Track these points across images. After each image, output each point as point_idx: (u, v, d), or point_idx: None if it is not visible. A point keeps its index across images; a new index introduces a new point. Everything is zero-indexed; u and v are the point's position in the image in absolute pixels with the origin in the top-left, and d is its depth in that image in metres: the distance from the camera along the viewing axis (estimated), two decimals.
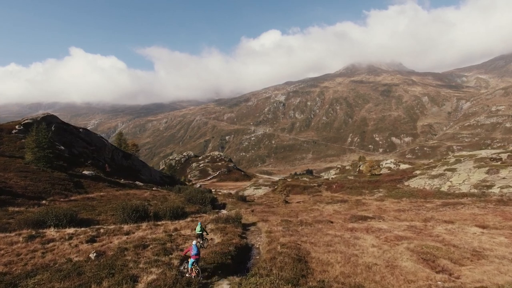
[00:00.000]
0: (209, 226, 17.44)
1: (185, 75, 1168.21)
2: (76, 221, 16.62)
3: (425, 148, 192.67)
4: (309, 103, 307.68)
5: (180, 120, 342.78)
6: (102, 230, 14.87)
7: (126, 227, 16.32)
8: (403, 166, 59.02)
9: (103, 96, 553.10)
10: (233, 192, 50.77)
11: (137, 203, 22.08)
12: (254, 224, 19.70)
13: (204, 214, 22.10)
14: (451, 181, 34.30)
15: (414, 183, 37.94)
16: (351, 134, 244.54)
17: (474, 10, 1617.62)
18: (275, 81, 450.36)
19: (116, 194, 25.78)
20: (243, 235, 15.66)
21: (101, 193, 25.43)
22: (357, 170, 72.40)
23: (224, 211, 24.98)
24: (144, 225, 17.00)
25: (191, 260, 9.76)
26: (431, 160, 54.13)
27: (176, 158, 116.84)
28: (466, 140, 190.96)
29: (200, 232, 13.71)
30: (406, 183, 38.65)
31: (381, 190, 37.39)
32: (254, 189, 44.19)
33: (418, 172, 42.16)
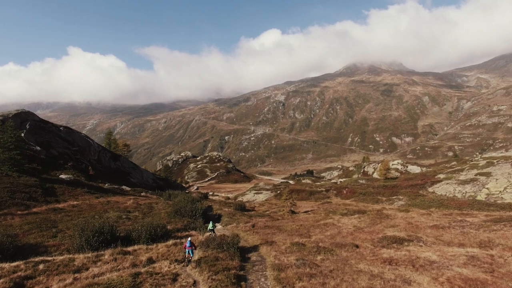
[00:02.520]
0: (197, 255, 13.50)
1: (185, 74, 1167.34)
2: (9, 250, 12.14)
3: (426, 148, 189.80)
4: (309, 103, 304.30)
5: (179, 120, 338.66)
6: (42, 266, 10.52)
7: (81, 258, 12.12)
8: (411, 168, 54.44)
9: (103, 96, 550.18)
10: (231, 195, 46.40)
11: (110, 217, 17.77)
12: (255, 248, 15.36)
13: (193, 232, 17.89)
14: (488, 188, 29.40)
15: (441, 189, 32.53)
16: (351, 134, 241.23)
17: (475, 10, 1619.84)
18: (276, 81, 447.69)
19: (93, 203, 21.84)
20: (241, 273, 11.37)
21: (75, 202, 21.42)
22: (362, 171, 68.07)
23: (218, 226, 20.51)
24: (107, 253, 12.87)
25: (187, 250, 13.50)
26: (454, 162, 47.90)
27: (174, 159, 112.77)
28: (467, 140, 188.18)
29: (212, 228, 18.01)
30: (430, 189, 33.32)
31: (400, 197, 32.12)
32: (254, 194, 39.07)
33: (442, 176, 37.01)
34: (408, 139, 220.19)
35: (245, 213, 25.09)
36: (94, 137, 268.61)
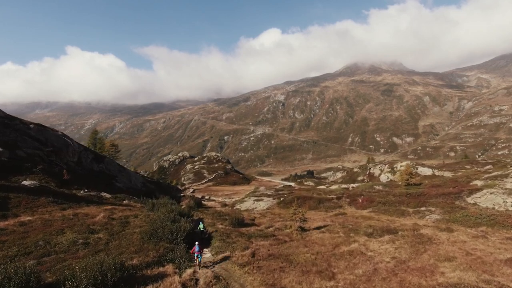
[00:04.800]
0: None
1: (185, 74, 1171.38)
2: None
3: (427, 149, 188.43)
4: (309, 103, 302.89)
5: (179, 120, 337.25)
6: None
7: None
8: (422, 170, 51.55)
9: (103, 95, 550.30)
10: (229, 200, 43.99)
11: (62, 242, 13.11)
12: None
13: (169, 266, 12.83)
14: None
15: (485, 200, 26.00)
16: (351, 134, 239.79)
17: (476, 10, 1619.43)
18: (276, 81, 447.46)
19: (53, 218, 17.07)
20: None
21: (28, 218, 16.60)
22: (367, 173, 65.51)
23: (207, 254, 15.55)
24: None
25: (195, 255, 13.57)
26: (489, 166, 41.42)
27: (171, 159, 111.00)
28: (469, 140, 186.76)
29: (202, 230, 18.54)
30: (469, 200, 27.05)
31: (432, 209, 25.89)
32: (254, 201, 35.07)
33: (479, 183, 31.11)
34: (409, 139, 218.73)
35: (243, 229, 20.74)
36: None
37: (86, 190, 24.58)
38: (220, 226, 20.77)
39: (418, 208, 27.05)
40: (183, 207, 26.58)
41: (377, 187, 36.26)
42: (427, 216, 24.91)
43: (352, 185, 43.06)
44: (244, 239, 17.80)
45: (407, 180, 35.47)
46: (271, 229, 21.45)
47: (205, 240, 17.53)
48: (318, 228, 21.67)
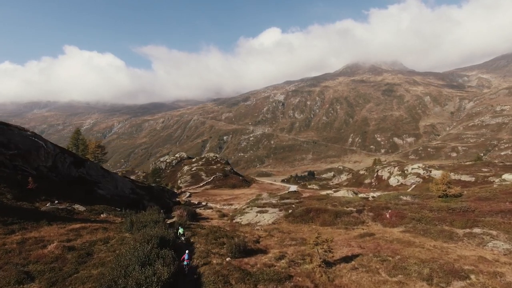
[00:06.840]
0: None
1: (185, 74, 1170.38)
2: None
3: (428, 149, 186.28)
4: (309, 103, 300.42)
5: (178, 120, 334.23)
6: None
7: None
8: (435, 173, 47.90)
9: (102, 95, 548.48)
10: (227, 208, 40.79)
11: None
12: None
13: None
14: None
15: None
16: (352, 134, 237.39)
17: (477, 9, 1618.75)
18: (276, 80, 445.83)
19: None
20: None
21: None
22: (375, 175, 62.33)
23: None
24: None
25: (184, 262, 13.94)
26: None
27: (167, 160, 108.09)
28: (471, 140, 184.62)
29: (182, 233, 18.94)
30: None
31: (492, 232, 19.43)
32: (257, 212, 29.86)
33: None
34: (409, 139, 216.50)
35: (246, 262, 15.20)
36: (91, 137, 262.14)
37: (56, 202, 20.75)
38: (215, 262, 14.78)
39: (469, 230, 20.91)
40: (174, 219, 23.45)
41: (404, 198, 30.45)
42: (490, 244, 18.55)
43: (371, 194, 37.12)
44: (248, 286, 12.21)
45: (445, 191, 28.82)
46: (284, 262, 15.86)
47: (193, 282, 12.75)
48: (346, 260, 16.32)
